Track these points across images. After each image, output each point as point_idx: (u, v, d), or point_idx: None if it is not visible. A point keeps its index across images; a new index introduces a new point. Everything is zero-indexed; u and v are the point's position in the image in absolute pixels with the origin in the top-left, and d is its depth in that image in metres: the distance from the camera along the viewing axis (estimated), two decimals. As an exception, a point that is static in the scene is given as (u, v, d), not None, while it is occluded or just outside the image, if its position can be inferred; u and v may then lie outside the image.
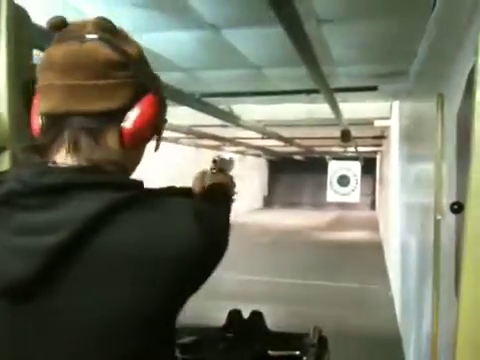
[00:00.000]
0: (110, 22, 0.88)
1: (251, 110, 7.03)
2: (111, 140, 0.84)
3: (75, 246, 0.75)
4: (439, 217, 2.07)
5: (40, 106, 0.84)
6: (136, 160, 0.94)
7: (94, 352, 0.77)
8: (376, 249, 10.33)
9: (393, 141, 7.34)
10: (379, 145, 12.72)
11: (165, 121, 0.95)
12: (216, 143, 12.59)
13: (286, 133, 9.73)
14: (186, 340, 1.65)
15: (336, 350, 1.88)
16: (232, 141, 11.76)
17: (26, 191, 0.76)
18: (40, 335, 0.77)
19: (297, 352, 1.51)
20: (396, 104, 6.37)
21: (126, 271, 0.76)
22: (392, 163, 7.50)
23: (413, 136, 4.16)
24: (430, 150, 2.46)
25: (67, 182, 0.77)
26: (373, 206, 19.94)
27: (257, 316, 1.71)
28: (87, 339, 0.76)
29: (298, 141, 11.71)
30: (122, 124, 0.84)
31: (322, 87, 4.28)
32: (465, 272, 1.02)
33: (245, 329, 1.69)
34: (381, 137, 10.12)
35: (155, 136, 0.94)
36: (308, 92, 5.09)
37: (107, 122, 0.83)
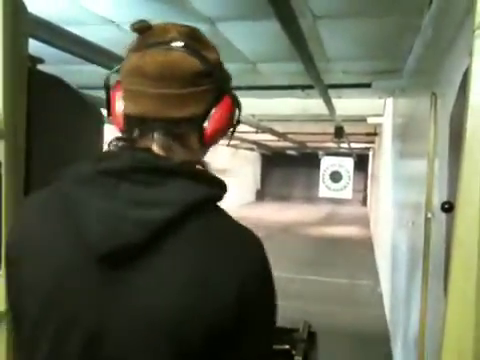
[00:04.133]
0: (193, 29, 0.93)
1: (245, 104, 7.01)
2: (194, 142, 0.91)
3: (175, 225, 0.80)
4: (430, 215, 2.09)
5: (126, 107, 0.90)
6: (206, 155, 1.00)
7: (163, 339, 0.78)
8: (366, 245, 10.39)
9: (386, 138, 7.36)
10: (372, 142, 12.77)
11: (239, 119, 1.00)
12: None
13: (280, 128, 9.75)
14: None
15: (325, 345, 1.89)
16: (225, 135, 11.74)
17: (140, 167, 0.82)
18: (120, 308, 0.79)
19: (287, 346, 1.52)
20: (389, 101, 6.39)
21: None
22: (384, 160, 7.53)
23: (406, 134, 4.18)
24: (422, 148, 2.47)
25: (175, 168, 0.84)
26: (365, 202, 20.03)
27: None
28: (160, 325, 0.78)
29: (291, 136, 11.73)
30: (205, 126, 0.90)
31: (317, 83, 4.29)
32: (453, 270, 1.03)
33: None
34: (374, 134, 10.16)
35: (229, 131, 0.99)
36: (303, 88, 5.09)
37: (192, 125, 0.90)
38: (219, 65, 0.93)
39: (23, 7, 1.40)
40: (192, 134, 0.90)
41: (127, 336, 0.79)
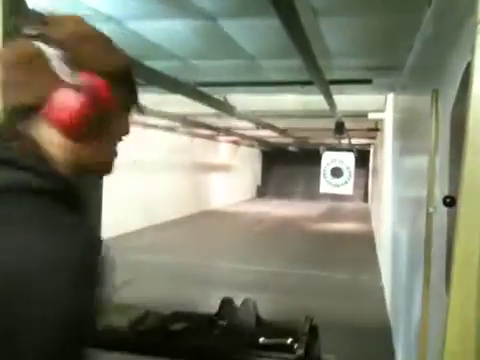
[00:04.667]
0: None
1: (246, 100, 7.03)
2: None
3: None
4: (431, 210, 2.09)
5: None
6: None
7: None
8: (367, 241, 10.40)
9: (387, 134, 7.36)
10: (373, 137, 12.76)
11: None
12: (210, 132, 12.59)
13: (280, 124, 9.74)
14: (177, 326, 1.66)
15: (326, 340, 1.90)
16: (226, 131, 11.76)
17: None
18: None
19: (288, 340, 1.53)
20: (390, 97, 6.39)
21: None
22: (385, 156, 7.53)
23: (407, 129, 4.18)
24: (424, 143, 2.48)
25: None
26: (366, 198, 20.03)
27: (249, 304, 1.73)
28: None
29: (292, 132, 11.73)
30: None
31: (317, 79, 4.29)
32: (456, 264, 1.04)
33: (237, 317, 1.71)
34: (375, 130, 10.15)
35: None
36: (303, 84, 5.10)
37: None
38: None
39: (24, 5, 1.40)
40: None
41: None
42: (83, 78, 0.80)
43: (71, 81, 0.79)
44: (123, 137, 0.91)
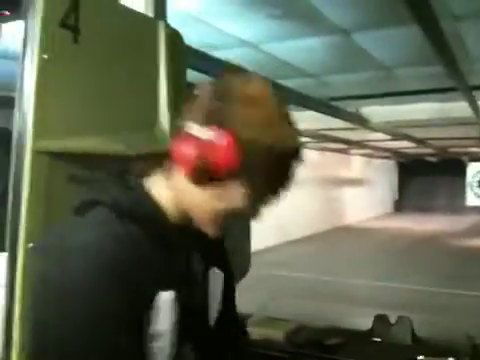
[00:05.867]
0: None
1: (380, 111, 6.86)
2: None
3: None
4: None
5: None
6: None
7: None
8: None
9: None
10: (524, 143, 11.68)
11: None
12: (342, 146, 12.41)
13: (418, 134, 9.33)
14: (333, 341, 1.67)
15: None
16: (359, 143, 11.52)
17: None
18: None
19: (450, 359, 1.46)
20: None
21: None
22: None
23: None
24: None
25: None
26: (518, 211, 18.26)
27: (405, 321, 1.68)
28: None
29: (431, 142, 11.15)
30: None
31: (460, 85, 4.08)
32: None
33: (392, 334, 1.67)
34: (526, 134, 9.29)
35: None
36: (443, 91, 4.86)
37: None
38: None
39: (182, 42, 1.52)
40: None
41: None
42: (212, 132, 0.81)
43: (197, 133, 0.82)
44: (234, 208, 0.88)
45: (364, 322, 1.88)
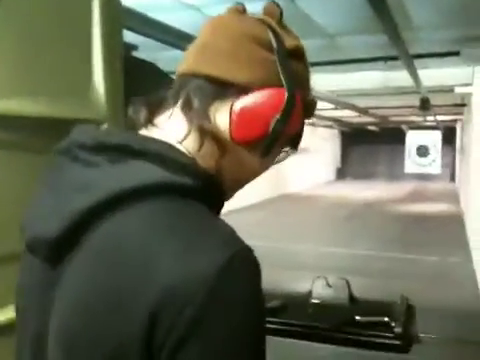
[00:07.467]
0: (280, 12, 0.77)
1: (323, 80, 6.91)
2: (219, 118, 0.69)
3: (100, 216, 0.61)
4: None
5: None
6: (235, 168, 0.74)
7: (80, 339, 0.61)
8: (456, 222, 9.97)
9: (476, 109, 6.97)
10: (460, 113, 12.14)
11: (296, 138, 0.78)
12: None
13: (361, 103, 9.50)
14: (274, 304, 1.69)
15: (420, 321, 1.86)
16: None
17: (82, 143, 0.66)
18: (55, 301, 0.65)
19: (385, 318, 1.52)
20: (479, 69, 6.04)
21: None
22: (475, 132, 7.15)
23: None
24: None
25: (129, 147, 0.63)
26: (453, 178, 19.14)
27: (342, 284, 1.72)
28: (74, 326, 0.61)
29: (373, 111, 11.40)
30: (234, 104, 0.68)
31: (402, 54, 4.14)
32: None
33: (330, 295, 1.71)
34: (462, 105, 9.66)
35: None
36: (386, 59, 4.93)
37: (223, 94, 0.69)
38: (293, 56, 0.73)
39: (118, 3, 1.45)
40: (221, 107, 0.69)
41: (52, 348, 0.65)
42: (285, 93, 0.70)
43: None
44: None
45: (306, 286, 1.92)
